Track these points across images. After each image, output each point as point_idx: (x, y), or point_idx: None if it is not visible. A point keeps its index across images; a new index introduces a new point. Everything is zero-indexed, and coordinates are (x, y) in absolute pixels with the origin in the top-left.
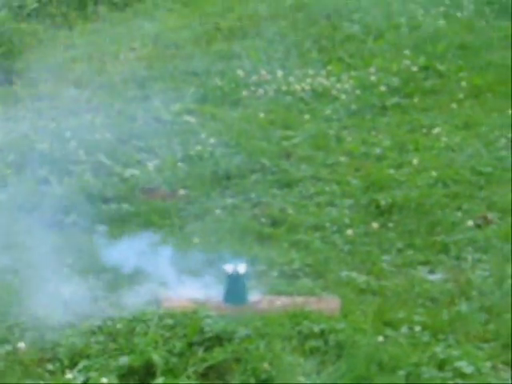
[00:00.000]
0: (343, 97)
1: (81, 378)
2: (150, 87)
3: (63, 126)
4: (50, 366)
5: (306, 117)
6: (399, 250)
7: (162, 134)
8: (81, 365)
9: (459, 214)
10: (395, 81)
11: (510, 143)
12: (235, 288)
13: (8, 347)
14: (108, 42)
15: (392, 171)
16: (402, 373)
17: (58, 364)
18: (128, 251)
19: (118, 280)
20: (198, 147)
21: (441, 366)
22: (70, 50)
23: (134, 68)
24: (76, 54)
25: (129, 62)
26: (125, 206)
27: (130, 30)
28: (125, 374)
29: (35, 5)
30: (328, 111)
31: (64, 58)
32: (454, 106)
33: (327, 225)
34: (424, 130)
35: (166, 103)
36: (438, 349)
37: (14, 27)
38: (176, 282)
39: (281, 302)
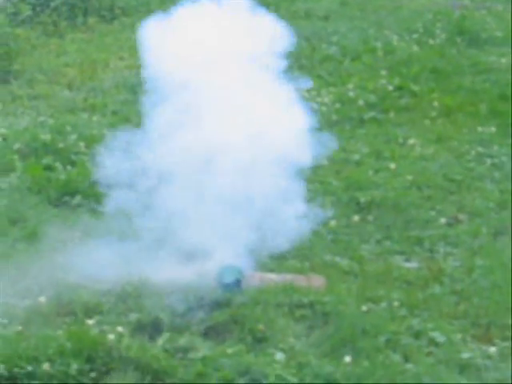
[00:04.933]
0: (324, 109)
1: (96, 330)
2: (141, 92)
3: (62, 121)
4: (67, 319)
5: None
6: (378, 241)
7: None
8: (94, 319)
9: (432, 213)
10: (372, 97)
11: (478, 156)
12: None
13: (29, 301)
14: (98, 51)
15: (370, 174)
16: (382, 339)
17: (74, 317)
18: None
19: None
20: None
21: (416, 335)
22: (61, 56)
23: (123, 75)
24: (68, 60)
25: (118, 69)
26: (126, 189)
27: (118, 40)
28: (135, 329)
29: (29, 12)
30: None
31: (57, 63)
32: (427, 122)
33: (311, 216)
34: (399, 141)
35: None
36: (414, 321)
37: (10, 31)
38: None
39: (272, 278)
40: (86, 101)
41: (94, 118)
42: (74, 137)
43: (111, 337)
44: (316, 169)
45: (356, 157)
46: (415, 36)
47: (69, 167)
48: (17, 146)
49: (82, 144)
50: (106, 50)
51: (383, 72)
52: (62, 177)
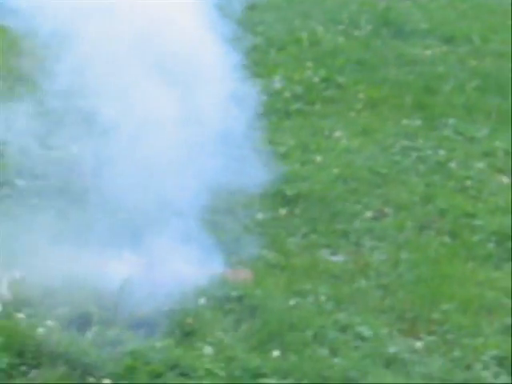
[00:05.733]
0: (250, 101)
1: (26, 323)
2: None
3: None
4: None
5: None
6: (304, 235)
7: (81, 124)
8: (24, 313)
9: (358, 206)
10: (298, 89)
11: (403, 149)
12: None
13: None
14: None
15: (297, 167)
16: (309, 333)
17: (3, 310)
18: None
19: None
20: None
21: (343, 329)
22: None
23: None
24: None
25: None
26: (53, 182)
27: None
28: (64, 323)
29: None
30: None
31: None
32: (353, 114)
33: (239, 210)
34: (325, 134)
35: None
36: (341, 316)
37: None
38: None
39: (199, 271)
40: (12, 90)
41: (22, 108)
42: (0, 128)
43: (41, 331)
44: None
45: (282, 149)
46: (341, 27)
47: None
48: None
49: (8, 135)
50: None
51: (309, 63)
52: None
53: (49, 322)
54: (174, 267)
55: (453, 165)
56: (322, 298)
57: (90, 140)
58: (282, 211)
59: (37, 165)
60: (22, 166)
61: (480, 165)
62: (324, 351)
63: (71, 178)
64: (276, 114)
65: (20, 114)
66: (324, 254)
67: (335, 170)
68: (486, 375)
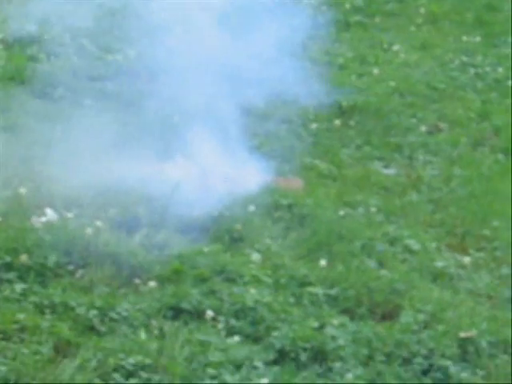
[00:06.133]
0: (309, 11)
1: (74, 223)
2: None
3: (48, 11)
4: (47, 211)
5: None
6: (358, 146)
7: (141, 28)
8: (73, 213)
9: (413, 120)
10: (358, 1)
11: (462, 65)
12: None
13: (8, 192)
14: None
15: (353, 79)
16: (358, 244)
17: (53, 210)
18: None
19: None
20: None
21: (392, 242)
22: None
23: None
24: None
25: None
26: (109, 84)
27: None
28: (113, 224)
29: None
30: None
31: None
32: (413, 28)
33: (294, 119)
34: (384, 47)
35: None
36: (390, 228)
37: None
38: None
39: (249, 178)
40: None
41: (80, 10)
42: (59, 28)
43: (89, 231)
44: (298, 70)
45: (340, 60)
46: None
47: (53, 58)
48: (1, 35)
49: (67, 35)
50: None
51: None
52: (46, 68)
53: (98, 223)
54: (225, 173)
55: (510, 83)
56: (373, 209)
57: (147, 44)
58: (337, 122)
59: (93, 67)
60: (77, 68)
61: None
62: (371, 263)
63: (127, 82)
64: (335, 25)
65: (78, 14)
66: (377, 166)
67: (392, 83)
68: None
